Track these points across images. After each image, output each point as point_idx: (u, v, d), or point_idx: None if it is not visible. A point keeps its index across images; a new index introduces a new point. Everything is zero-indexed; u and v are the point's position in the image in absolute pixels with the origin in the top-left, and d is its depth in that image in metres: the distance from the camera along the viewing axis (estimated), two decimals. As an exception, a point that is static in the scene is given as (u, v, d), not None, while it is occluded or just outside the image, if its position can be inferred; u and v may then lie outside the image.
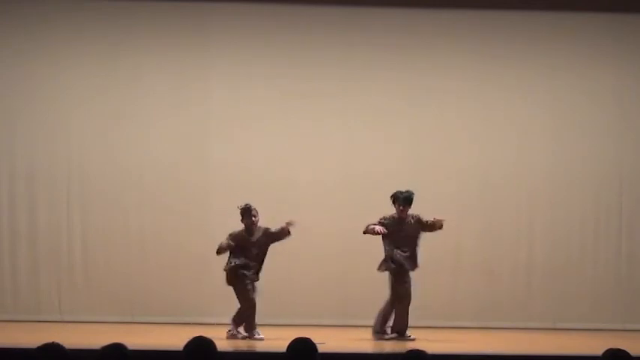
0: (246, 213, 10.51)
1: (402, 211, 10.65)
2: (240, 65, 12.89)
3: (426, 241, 12.59)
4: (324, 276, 12.55)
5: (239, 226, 10.60)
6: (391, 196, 10.73)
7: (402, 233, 10.67)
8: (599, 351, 5.72)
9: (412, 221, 10.72)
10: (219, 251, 10.54)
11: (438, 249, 12.66)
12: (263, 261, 10.61)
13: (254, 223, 10.53)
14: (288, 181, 12.69)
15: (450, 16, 12.98)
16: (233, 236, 10.54)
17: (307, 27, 12.94)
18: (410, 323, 12.09)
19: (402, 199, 10.65)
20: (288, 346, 5.36)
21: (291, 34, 12.91)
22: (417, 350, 5.38)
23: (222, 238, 10.63)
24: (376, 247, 12.26)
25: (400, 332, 10.62)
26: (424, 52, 13.01)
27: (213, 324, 11.61)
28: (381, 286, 12.49)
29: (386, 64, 12.90)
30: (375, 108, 12.91)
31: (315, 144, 12.85)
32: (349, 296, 12.57)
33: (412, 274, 10.79)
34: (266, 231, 10.56)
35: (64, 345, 5.04)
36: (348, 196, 12.68)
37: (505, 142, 12.98)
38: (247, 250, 10.51)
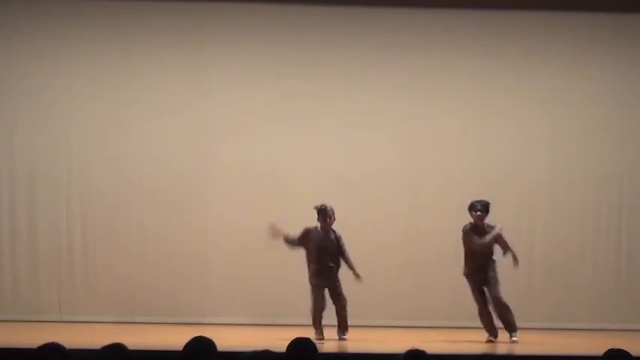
0: (321, 213, 10.49)
1: (478, 217, 10.62)
2: (239, 65, 12.89)
3: (425, 241, 12.63)
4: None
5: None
6: (468, 207, 10.74)
7: (478, 241, 10.65)
8: (599, 351, 5.72)
9: (489, 231, 10.69)
10: (285, 240, 10.51)
11: (438, 249, 12.67)
12: (342, 260, 10.57)
13: (328, 225, 10.51)
14: (288, 181, 12.69)
15: (450, 16, 12.98)
16: (304, 231, 10.51)
17: (307, 27, 12.95)
18: (409, 323, 12.16)
19: (480, 205, 10.64)
20: (288, 346, 5.35)
21: (291, 34, 12.91)
22: (417, 350, 5.37)
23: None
24: (377, 247, 12.30)
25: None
26: (424, 52, 13.01)
27: (213, 324, 11.63)
28: (380, 284, 12.54)
29: (386, 64, 12.90)
30: (375, 108, 12.91)
31: (315, 144, 12.85)
32: (349, 296, 12.54)
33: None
34: (340, 240, 10.56)
35: (64, 345, 5.03)
36: (349, 196, 12.67)
37: (505, 142, 12.98)
38: (324, 250, 10.46)
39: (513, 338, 10.59)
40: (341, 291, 10.54)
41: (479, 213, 10.64)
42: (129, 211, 12.70)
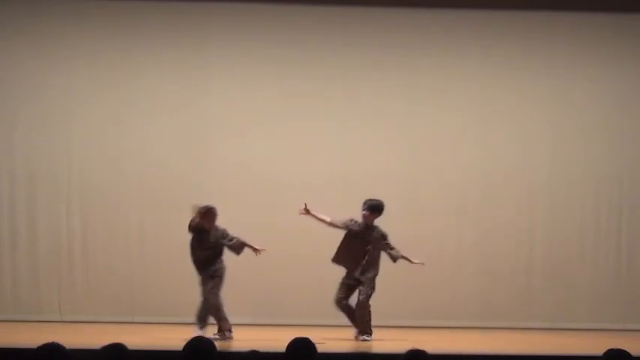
0: (207, 214, 10.37)
1: (363, 216, 10.60)
2: (239, 65, 12.89)
3: (425, 241, 12.62)
4: (324, 276, 12.52)
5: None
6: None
7: (362, 240, 10.61)
8: (599, 351, 5.73)
9: (377, 235, 10.63)
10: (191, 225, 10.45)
11: (438, 249, 12.68)
12: (215, 260, 10.48)
13: (212, 224, 10.39)
14: (288, 181, 12.69)
15: (450, 16, 12.98)
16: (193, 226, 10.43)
17: (307, 27, 12.95)
18: (411, 323, 12.15)
19: (368, 206, 10.61)
20: (288, 346, 5.36)
21: (291, 34, 12.91)
22: (417, 350, 5.37)
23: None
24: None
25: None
26: (424, 52, 13.02)
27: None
28: (380, 284, 12.49)
29: (386, 64, 12.90)
30: (375, 108, 12.92)
31: (315, 144, 12.85)
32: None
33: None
34: (224, 233, 10.46)
35: (64, 345, 5.03)
36: (348, 196, 12.64)
37: (505, 142, 12.98)
38: (202, 250, 10.43)
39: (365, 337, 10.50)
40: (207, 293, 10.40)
41: (364, 212, 10.59)
42: (129, 211, 12.70)
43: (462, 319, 12.57)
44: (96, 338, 9.37)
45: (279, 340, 10.08)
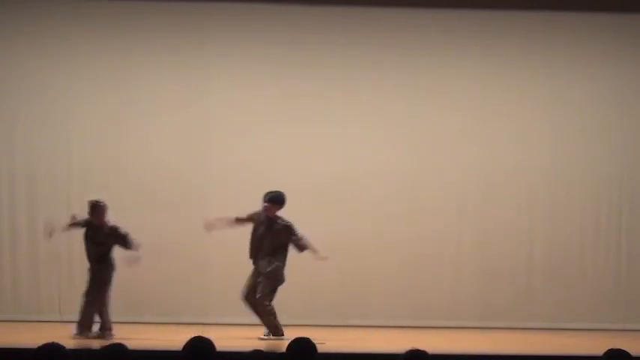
0: (95, 209, 10.46)
1: (265, 208, 10.52)
2: (239, 65, 12.89)
3: (425, 241, 12.62)
4: (324, 276, 12.55)
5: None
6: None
7: (265, 232, 10.55)
8: (599, 351, 5.72)
9: (279, 227, 10.53)
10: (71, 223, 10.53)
11: (438, 249, 12.69)
12: (105, 257, 10.52)
13: (100, 220, 10.49)
14: (288, 181, 12.68)
15: (450, 16, 12.98)
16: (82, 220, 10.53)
17: (307, 27, 12.95)
18: (411, 323, 12.15)
19: (269, 198, 10.54)
20: (288, 346, 5.36)
21: (291, 34, 12.92)
22: (417, 350, 5.37)
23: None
24: (377, 247, 12.30)
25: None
26: (424, 52, 13.02)
27: (214, 324, 11.63)
28: (380, 285, 12.53)
29: (386, 64, 12.90)
30: (375, 108, 12.92)
31: (315, 144, 12.85)
32: (348, 296, 12.57)
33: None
34: (113, 230, 10.51)
35: (64, 345, 5.04)
36: (348, 196, 12.68)
37: (505, 142, 12.98)
38: (94, 245, 10.48)
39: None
40: (98, 289, 10.42)
41: (265, 204, 10.52)
42: (129, 210, 12.66)
43: (462, 319, 12.57)
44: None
45: (279, 340, 10.11)
